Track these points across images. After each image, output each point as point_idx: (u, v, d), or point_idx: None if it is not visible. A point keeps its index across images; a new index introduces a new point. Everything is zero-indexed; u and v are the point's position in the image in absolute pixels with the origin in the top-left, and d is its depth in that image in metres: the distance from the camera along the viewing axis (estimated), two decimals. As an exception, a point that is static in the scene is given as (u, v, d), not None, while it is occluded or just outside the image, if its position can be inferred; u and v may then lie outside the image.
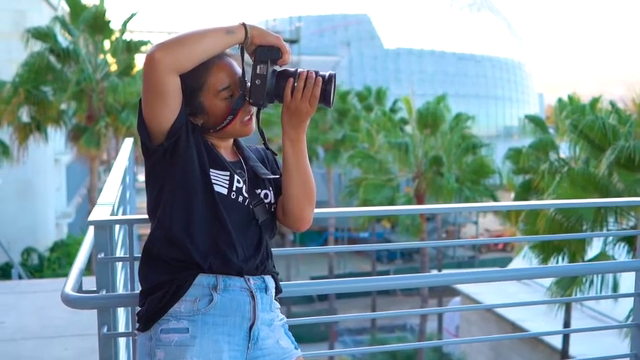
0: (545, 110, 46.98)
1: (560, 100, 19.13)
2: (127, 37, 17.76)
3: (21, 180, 21.23)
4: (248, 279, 1.88)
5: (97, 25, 16.78)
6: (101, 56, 17.49)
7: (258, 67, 1.85)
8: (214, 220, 1.86)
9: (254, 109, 1.94)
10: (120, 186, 3.93)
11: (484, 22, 45.88)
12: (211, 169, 1.88)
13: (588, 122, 11.84)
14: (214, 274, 1.83)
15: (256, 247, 1.93)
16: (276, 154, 2.11)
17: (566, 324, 12.66)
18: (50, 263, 18.22)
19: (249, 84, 1.87)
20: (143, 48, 17.51)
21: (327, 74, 1.89)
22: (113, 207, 2.79)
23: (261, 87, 1.85)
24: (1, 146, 19.15)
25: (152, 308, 1.82)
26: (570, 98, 18.88)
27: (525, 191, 15.56)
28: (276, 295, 2.00)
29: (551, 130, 18.32)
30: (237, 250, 1.87)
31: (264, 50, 1.85)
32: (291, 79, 1.87)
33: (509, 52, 46.15)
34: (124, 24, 17.59)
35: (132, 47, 17.40)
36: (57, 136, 19.85)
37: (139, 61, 17.73)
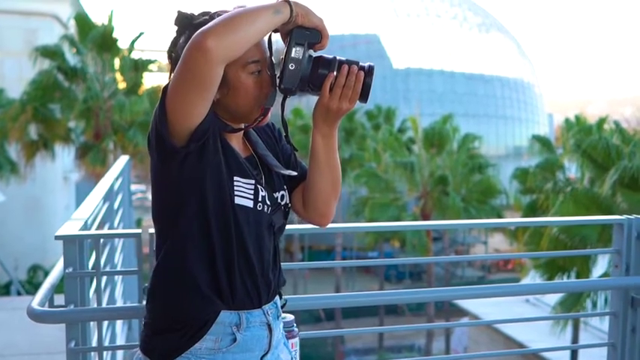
0: (555, 130, 46.92)
1: (567, 121, 19.16)
2: (134, 55, 17.92)
3: (29, 197, 21.35)
4: (267, 311, 1.75)
5: (105, 43, 16.92)
6: (108, 75, 17.61)
7: (294, 49, 1.63)
8: (241, 240, 1.68)
9: (271, 94, 1.71)
10: (106, 202, 3.95)
11: (493, 43, 45.88)
12: (235, 178, 1.67)
13: (592, 142, 11.84)
14: (237, 311, 1.69)
15: (273, 262, 1.79)
16: (297, 150, 1.88)
17: (574, 343, 12.58)
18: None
19: (279, 68, 1.66)
20: (150, 66, 17.63)
21: (366, 65, 1.72)
22: (86, 222, 2.79)
23: (295, 72, 1.64)
24: (8, 164, 19.34)
25: (171, 345, 1.66)
26: (577, 118, 18.91)
27: (532, 211, 15.54)
28: (282, 307, 1.86)
29: (560, 151, 18.34)
30: (257, 279, 1.72)
31: (302, 32, 1.63)
32: (332, 74, 1.67)
33: (519, 73, 46.07)
34: (132, 43, 17.73)
35: (139, 66, 17.50)
36: (66, 154, 19.96)
37: (146, 79, 17.82)
